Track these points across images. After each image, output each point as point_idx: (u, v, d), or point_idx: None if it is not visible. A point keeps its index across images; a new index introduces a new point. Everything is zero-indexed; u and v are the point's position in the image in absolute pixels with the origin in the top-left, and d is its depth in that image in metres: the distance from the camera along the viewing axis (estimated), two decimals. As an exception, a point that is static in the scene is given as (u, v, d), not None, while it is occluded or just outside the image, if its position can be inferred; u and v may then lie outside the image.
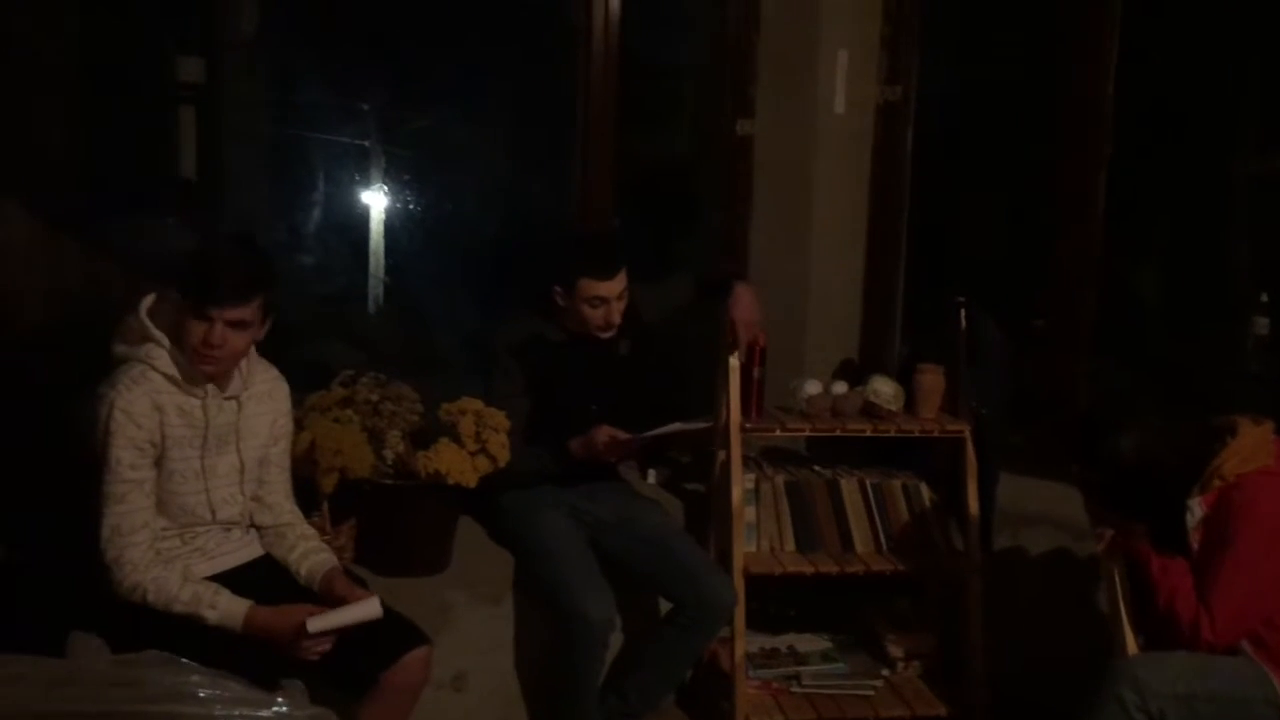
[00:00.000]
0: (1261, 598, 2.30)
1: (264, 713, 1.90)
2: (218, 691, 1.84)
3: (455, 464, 2.65)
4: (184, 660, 1.96)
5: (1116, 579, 2.52)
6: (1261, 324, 3.39)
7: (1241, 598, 2.30)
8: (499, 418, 2.72)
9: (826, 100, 3.61)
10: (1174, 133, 3.83)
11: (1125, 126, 3.31)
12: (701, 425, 2.95)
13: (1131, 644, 2.48)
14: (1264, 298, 3.40)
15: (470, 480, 2.67)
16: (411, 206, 4.52)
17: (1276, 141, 3.73)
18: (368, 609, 2.20)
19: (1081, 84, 3.29)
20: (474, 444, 2.69)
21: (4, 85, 2.89)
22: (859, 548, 3.14)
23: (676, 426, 2.86)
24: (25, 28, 2.95)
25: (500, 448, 2.71)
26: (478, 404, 2.74)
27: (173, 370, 2.22)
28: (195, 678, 1.85)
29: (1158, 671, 2.30)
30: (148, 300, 2.28)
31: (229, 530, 2.37)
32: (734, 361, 3.00)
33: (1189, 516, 2.42)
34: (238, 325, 2.19)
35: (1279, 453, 2.39)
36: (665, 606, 2.98)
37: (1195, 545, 2.40)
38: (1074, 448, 2.57)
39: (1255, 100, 3.83)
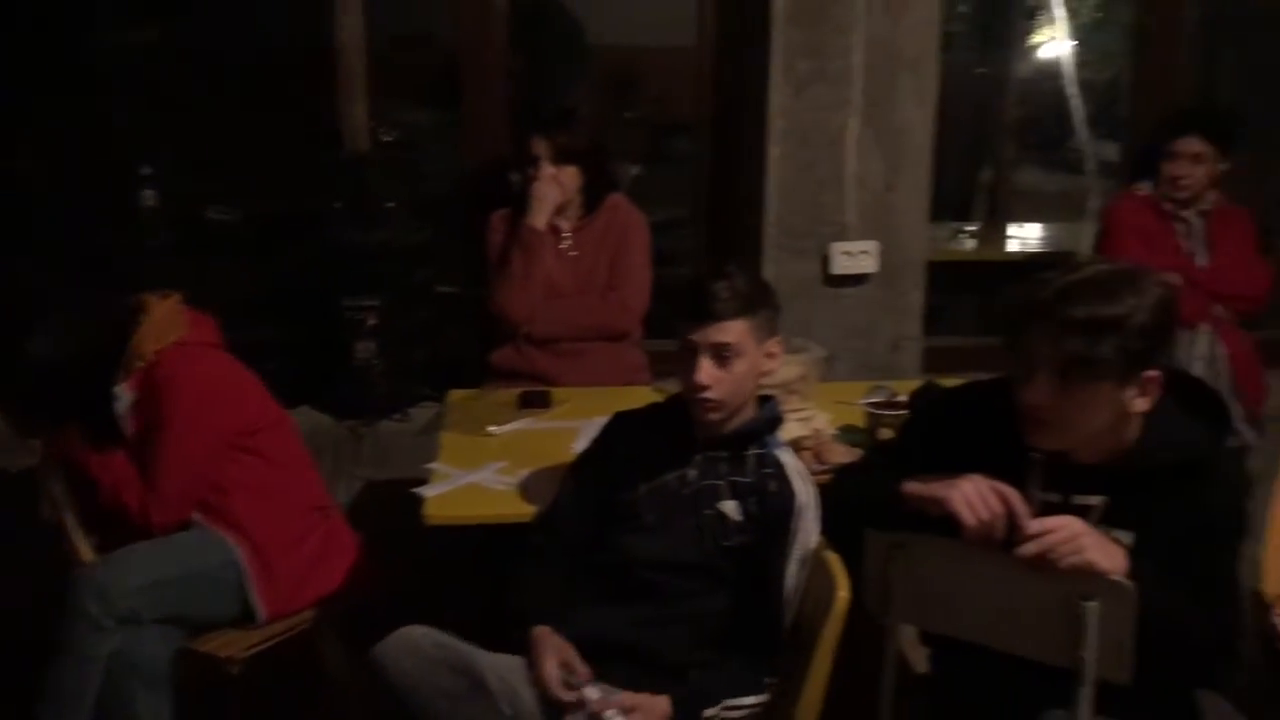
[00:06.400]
0: (203, 466, 2.34)
1: None
2: None
3: None
4: None
5: (57, 489, 2.37)
6: (149, 196, 3.39)
7: (185, 471, 2.32)
8: None
9: None
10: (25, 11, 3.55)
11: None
12: None
13: (87, 551, 2.37)
14: (148, 170, 3.39)
15: None
16: None
17: (132, 14, 3.71)
18: None
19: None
20: None
21: None
22: None
23: None
24: None
25: None
26: None
27: None
28: None
29: (118, 571, 2.24)
30: None
31: None
32: None
33: (119, 405, 2.34)
34: None
35: (191, 323, 2.42)
36: None
37: (131, 432, 2.35)
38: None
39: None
